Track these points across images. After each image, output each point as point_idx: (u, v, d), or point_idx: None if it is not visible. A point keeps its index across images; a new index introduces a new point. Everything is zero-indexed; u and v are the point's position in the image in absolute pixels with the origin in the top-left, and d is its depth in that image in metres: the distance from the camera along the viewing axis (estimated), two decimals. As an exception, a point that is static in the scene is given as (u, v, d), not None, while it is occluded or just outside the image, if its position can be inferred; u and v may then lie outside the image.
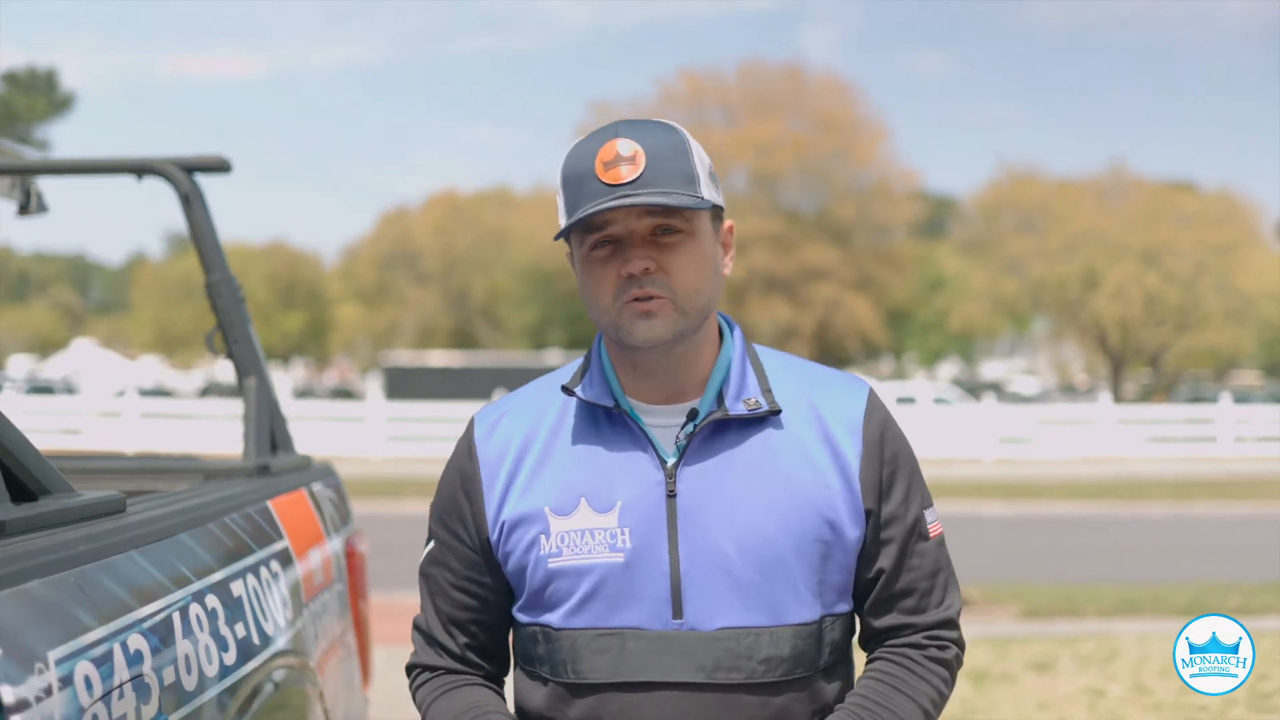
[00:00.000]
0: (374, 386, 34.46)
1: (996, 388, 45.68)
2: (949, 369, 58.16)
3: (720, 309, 1.80)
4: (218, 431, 21.99)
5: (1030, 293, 39.52)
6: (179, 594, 1.85)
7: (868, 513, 1.73)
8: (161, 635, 1.75)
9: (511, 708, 1.80)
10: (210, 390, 36.96)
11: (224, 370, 44.67)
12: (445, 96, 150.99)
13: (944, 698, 1.78)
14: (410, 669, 1.88)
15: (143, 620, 1.69)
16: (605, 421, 1.74)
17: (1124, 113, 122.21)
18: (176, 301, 47.74)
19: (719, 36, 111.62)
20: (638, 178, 1.63)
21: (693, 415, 1.72)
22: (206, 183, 3.18)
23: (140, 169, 3.16)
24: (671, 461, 1.70)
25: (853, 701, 1.72)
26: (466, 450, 1.80)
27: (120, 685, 1.58)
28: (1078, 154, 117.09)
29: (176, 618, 1.82)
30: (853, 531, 1.71)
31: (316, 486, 2.99)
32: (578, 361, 1.83)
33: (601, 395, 1.74)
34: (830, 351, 40.40)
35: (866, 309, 40.34)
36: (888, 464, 1.75)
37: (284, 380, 37.19)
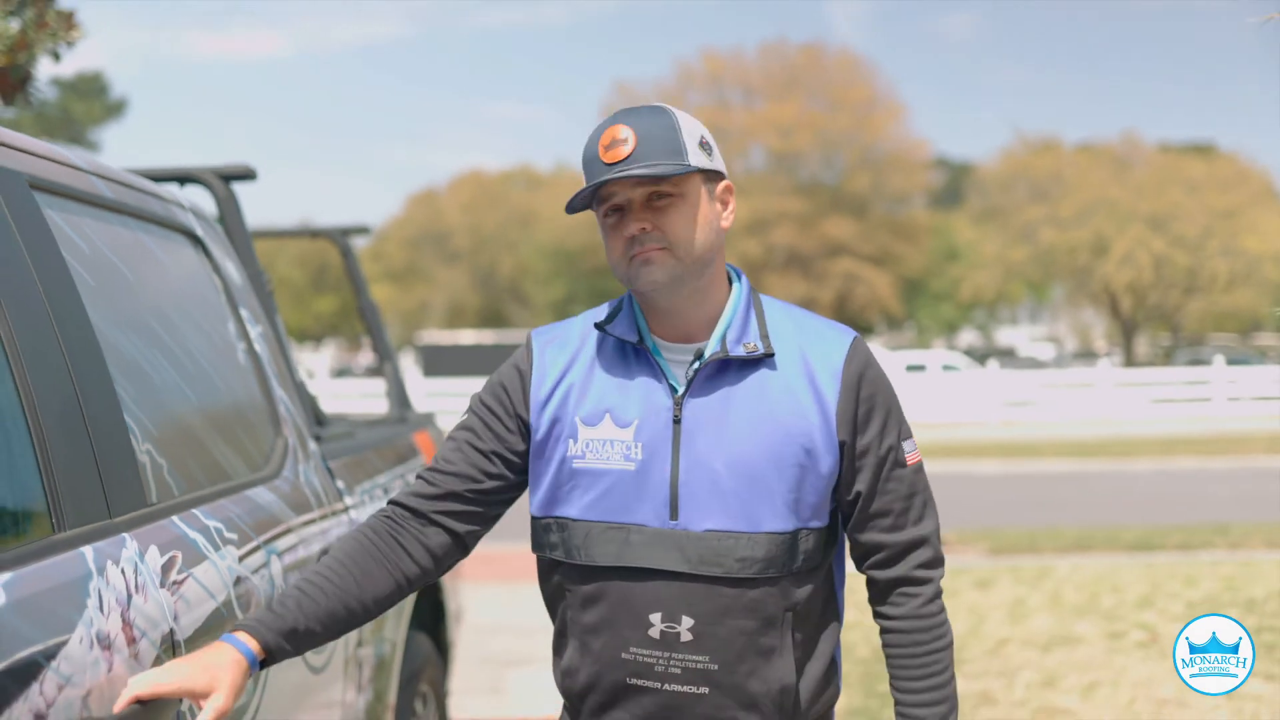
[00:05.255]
0: (409, 364, 34.98)
1: (1009, 354, 46.19)
2: (968, 337, 58.49)
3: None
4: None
5: (1040, 260, 39.61)
6: (386, 475, 3.45)
7: (842, 444, 1.97)
8: (384, 493, 3.31)
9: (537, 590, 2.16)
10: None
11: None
12: (469, 73, 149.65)
13: (946, 622, 2.04)
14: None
15: (378, 484, 3.28)
16: (632, 354, 2.01)
17: (1147, 72, 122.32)
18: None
19: (747, 9, 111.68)
20: (629, 155, 1.91)
21: (699, 354, 1.98)
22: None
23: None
24: (680, 392, 1.96)
25: (908, 690, 2.02)
26: (525, 353, 2.09)
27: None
28: (1101, 116, 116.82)
29: (388, 485, 3.39)
30: (827, 458, 1.95)
31: (431, 430, 4.51)
32: (614, 302, 2.09)
33: (628, 332, 2.01)
34: (850, 323, 40.18)
35: (884, 282, 40.56)
36: (864, 402, 1.98)
37: (320, 361, 37.86)
